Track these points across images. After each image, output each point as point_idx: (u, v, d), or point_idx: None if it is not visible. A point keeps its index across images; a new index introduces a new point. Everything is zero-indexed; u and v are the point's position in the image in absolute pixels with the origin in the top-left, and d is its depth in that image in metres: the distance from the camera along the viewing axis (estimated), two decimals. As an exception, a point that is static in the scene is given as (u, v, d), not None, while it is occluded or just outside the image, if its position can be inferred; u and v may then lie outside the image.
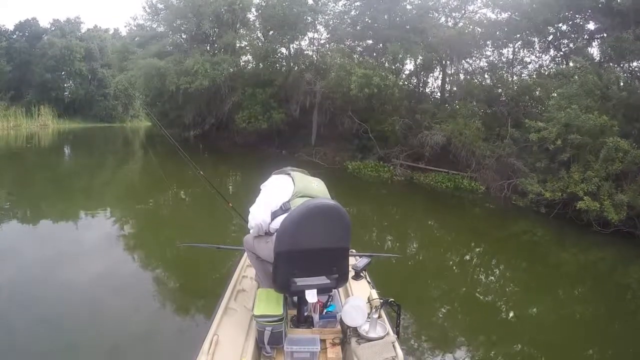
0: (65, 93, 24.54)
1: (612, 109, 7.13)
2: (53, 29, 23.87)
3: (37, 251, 3.96)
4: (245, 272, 2.19)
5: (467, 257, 5.26)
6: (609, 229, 6.21)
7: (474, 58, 11.43)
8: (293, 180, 1.76)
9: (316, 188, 1.78)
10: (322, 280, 1.65)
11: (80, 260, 3.82)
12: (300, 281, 1.61)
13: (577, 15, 9.48)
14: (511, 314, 3.55)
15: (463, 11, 12.15)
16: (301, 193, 1.71)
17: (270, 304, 1.63)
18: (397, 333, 1.70)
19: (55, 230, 4.88)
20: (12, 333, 2.44)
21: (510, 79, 10.57)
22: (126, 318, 2.78)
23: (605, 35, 8.76)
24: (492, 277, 4.59)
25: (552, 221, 6.92)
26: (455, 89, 11.90)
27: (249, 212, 1.77)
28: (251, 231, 1.82)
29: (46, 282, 3.23)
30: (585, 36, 9.53)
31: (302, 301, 1.73)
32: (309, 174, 1.93)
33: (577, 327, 3.35)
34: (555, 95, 7.89)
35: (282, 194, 1.72)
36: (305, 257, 1.60)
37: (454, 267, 4.72)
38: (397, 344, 1.56)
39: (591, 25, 9.55)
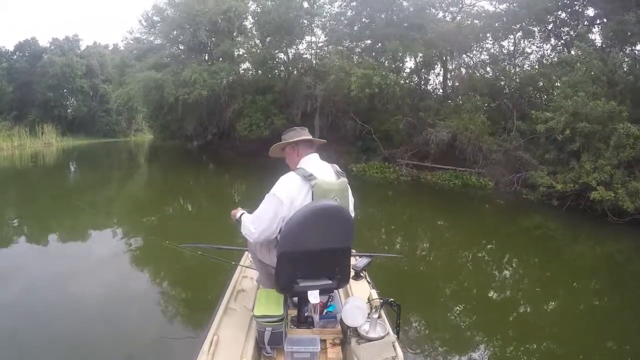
0: (68, 110, 25.17)
1: (619, 94, 7.06)
2: (52, 47, 24.56)
3: (42, 263, 4.10)
4: (245, 272, 2.23)
5: (475, 256, 5.21)
6: (624, 219, 6.12)
7: (474, 52, 11.44)
8: (313, 196, 1.61)
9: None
10: (324, 280, 1.68)
11: (84, 269, 3.94)
12: (302, 282, 1.64)
13: (575, 2, 9.45)
14: (521, 312, 3.49)
15: (460, 5, 12.21)
16: None
17: (270, 304, 1.66)
18: (397, 333, 1.72)
19: (58, 242, 5.03)
20: (17, 342, 2.55)
21: (512, 71, 10.54)
22: (126, 319, 2.87)
23: (605, 20, 8.72)
24: (502, 275, 4.54)
25: (565, 214, 6.84)
26: (457, 84, 11.90)
27: (253, 220, 1.68)
28: (251, 240, 1.74)
29: (50, 289, 3.36)
30: (585, 22, 9.49)
31: (303, 301, 1.76)
32: (332, 169, 1.76)
33: (594, 322, 3.27)
34: (560, 83, 7.85)
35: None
36: (308, 258, 1.62)
37: (461, 266, 4.69)
38: (397, 344, 1.58)
39: (590, 12, 9.56)
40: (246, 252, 2.39)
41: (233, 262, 2.33)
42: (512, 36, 10.83)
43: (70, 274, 3.79)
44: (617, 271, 4.62)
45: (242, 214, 1.82)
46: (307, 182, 1.63)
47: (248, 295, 1.99)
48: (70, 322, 2.83)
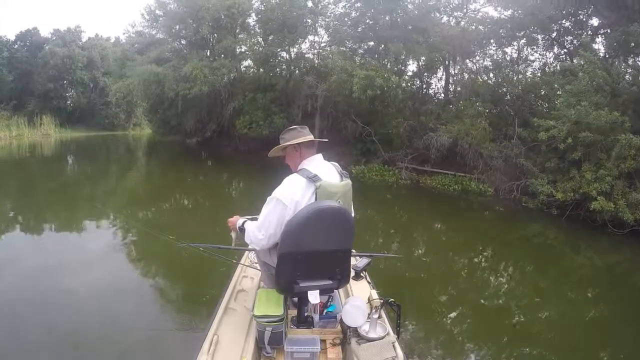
0: (68, 102, 25.08)
1: (622, 104, 7.10)
2: (54, 38, 24.48)
3: (40, 257, 4.09)
4: (245, 272, 2.23)
5: (472, 260, 5.24)
6: (624, 230, 6.14)
7: (477, 57, 11.49)
8: (317, 198, 1.60)
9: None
10: (325, 281, 1.68)
11: (83, 265, 3.94)
12: (303, 282, 1.64)
13: (579, 12, 9.52)
14: (517, 318, 3.51)
15: (465, 10, 12.25)
16: None
17: (270, 304, 1.66)
18: (397, 333, 1.72)
19: (57, 236, 5.04)
20: (17, 338, 2.53)
21: (515, 78, 10.59)
22: (126, 319, 2.87)
23: (609, 30, 8.79)
24: (500, 281, 4.56)
25: (565, 223, 6.84)
26: (459, 88, 11.94)
27: (259, 227, 1.65)
28: (258, 247, 1.72)
29: (50, 287, 3.34)
30: (589, 32, 9.56)
31: (303, 301, 1.76)
32: (336, 170, 1.74)
33: (592, 332, 3.28)
34: (563, 92, 7.85)
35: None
36: (309, 259, 1.62)
37: (461, 270, 4.72)
38: (397, 344, 1.59)
39: (594, 21, 9.63)
40: (246, 252, 2.39)
41: (234, 261, 2.32)
42: (515, 43, 10.89)
43: (68, 268, 3.79)
44: (615, 282, 4.62)
45: (244, 222, 1.79)
46: (312, 184, 1.60)
47: (248, 295, 1.98)
48: (69, 317, 2.83)
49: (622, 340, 3.11)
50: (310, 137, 1.76)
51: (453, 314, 3.38)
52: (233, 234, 1.93)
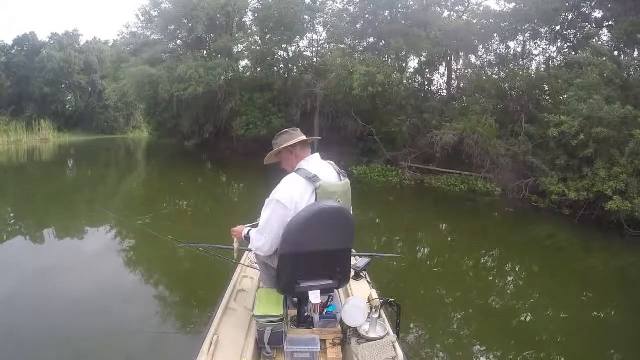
0: (66, 106, 25.42)
1: (634, 98, 7.02)
2: (52, 42, 24.80)
3: (40, 261, 4.17)
4: (246, 272, 2.27)
5: (479, 262, 5.21)
6: (640, 231, 6.07)
7: (480, 52, 11.46)
8: (317, 199, 1.61)
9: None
10: (325, 280, 1.71)
11: (83, 268, 4.02)
12: (304, 282, 1.67)
13: (583, 4, 9.47)
14: (524, 320, 3.48)
15: (466, 4, 12.24)
16: None
17: (270, 304, 1.70)
18: (397, 333, 1.76)
19: (57, 239, 5.12)
20: (18, 342, 2.60)
21: (520, 72, 10.54)
22: (126, 320, 2.93)
23: (612, 23, 8.74)
24: (506, 283, 4.53)
25: (578, 224, 6.71)
26: (462, 84, 11.89)
27: (262, 231, 1.67)
28: (262, 253, 1.73)
29: (50, 290, 3.41)
30: (593, 24, 9.52)
31: (303, 301, 1.80)
32: (334, 170, 1.77)
33: (604, 337, 3.23)
34: (573, 85, 7.73)
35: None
36: (310, 259, 1.64)
37: (463, 271, 4.70)
38: (397, 344, 1.62)
39: (598, 14, 9.60)
40: (246, 252, 2.43)
41: (233, 261, 2.38)
42: (520, 37, 10.86)
43: (68, 271, 3.87)
44: (632, 285, 4.53)
45: (249, 230, 1.82)
46: (311, 184, 1.62)
47: (248, 295, 2.02)
48: (68, 320, 2.89)
49: (638, 345, 3.08)
50: (303, 137, 1.79)
51: (454, 315, 3.39)
52: (236, 244, 1.96)
